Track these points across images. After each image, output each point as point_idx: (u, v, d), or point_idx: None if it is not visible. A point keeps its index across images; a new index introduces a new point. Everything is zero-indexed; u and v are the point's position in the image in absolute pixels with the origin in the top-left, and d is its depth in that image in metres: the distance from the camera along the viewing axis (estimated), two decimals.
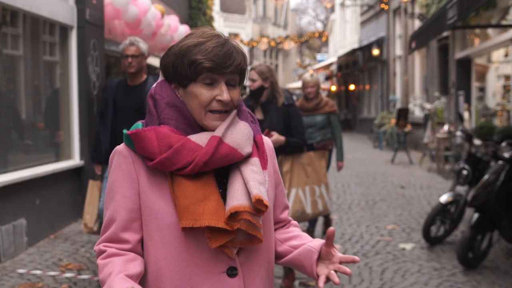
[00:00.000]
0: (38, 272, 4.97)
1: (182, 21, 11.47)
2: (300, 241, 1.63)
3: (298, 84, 31.13)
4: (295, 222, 1.75)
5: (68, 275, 4.84)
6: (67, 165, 6.54)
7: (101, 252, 1.51)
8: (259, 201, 1.43)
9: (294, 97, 8.80)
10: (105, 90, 4.86)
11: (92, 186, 4.87)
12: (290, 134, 4.42)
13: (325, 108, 5.96)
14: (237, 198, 1.44)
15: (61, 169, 6.34)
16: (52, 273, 4.93)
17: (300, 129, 4.55)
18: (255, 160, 1.51)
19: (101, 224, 4.53)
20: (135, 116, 4.46)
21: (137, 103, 4.58)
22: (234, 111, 1.52)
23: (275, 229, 1.69)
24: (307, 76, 6.09)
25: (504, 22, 9.87)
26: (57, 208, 6.31)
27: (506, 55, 10.48)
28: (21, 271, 4.99)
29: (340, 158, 6.15)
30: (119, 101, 4.69)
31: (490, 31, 10.82)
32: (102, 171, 4.95)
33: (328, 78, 31.61)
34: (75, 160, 6.79)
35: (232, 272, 1.49)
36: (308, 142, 5.47)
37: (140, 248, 1.52)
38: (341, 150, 6.13)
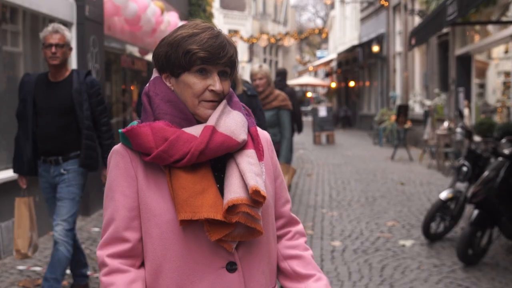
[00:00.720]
0: (37, 268, 4.98)
1: (182, 17, 11.46)
2: (303, 269, 1.62)
3: (298, 81, 31.13)
4: (302, 230, 1.70)
5: (68, 271, 4.84)
6: None
7: (104, 265, 1.49)
8: (256, 192, 1.43)
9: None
10: (22, 88, 4.02)
11: (19, 205, 4.12)
12: None
13: (273, 103, 5.17)
14: (234, 191, 1.44)
15: None
16: None
17: (263, 125, 4.26)
18: (251, 152, 1.51)
19: (36, 248, 4.20)
20: (61, 118, 3.93)
21: (63, 103, 3.92)
22: (224, 101, 1.53)
23: (279, 233, 1.67)
24: (255, 67, 5.26)
25: (504, 19, 9.85)
26: None
27: (506, 51, 10.46)
28: (21, 267, 5.00)
29: (284, 159, 5.12)
30: (40, 101, 3.95)
31: (490, 27, 10.81)
32: (28, 184, 4.21)
33: (328, 74, 31.60)
34: None
35: (231, 267, 1.49)
36: None
37: (140, 247, 1.52)
38: (287, 151, 5.14)
